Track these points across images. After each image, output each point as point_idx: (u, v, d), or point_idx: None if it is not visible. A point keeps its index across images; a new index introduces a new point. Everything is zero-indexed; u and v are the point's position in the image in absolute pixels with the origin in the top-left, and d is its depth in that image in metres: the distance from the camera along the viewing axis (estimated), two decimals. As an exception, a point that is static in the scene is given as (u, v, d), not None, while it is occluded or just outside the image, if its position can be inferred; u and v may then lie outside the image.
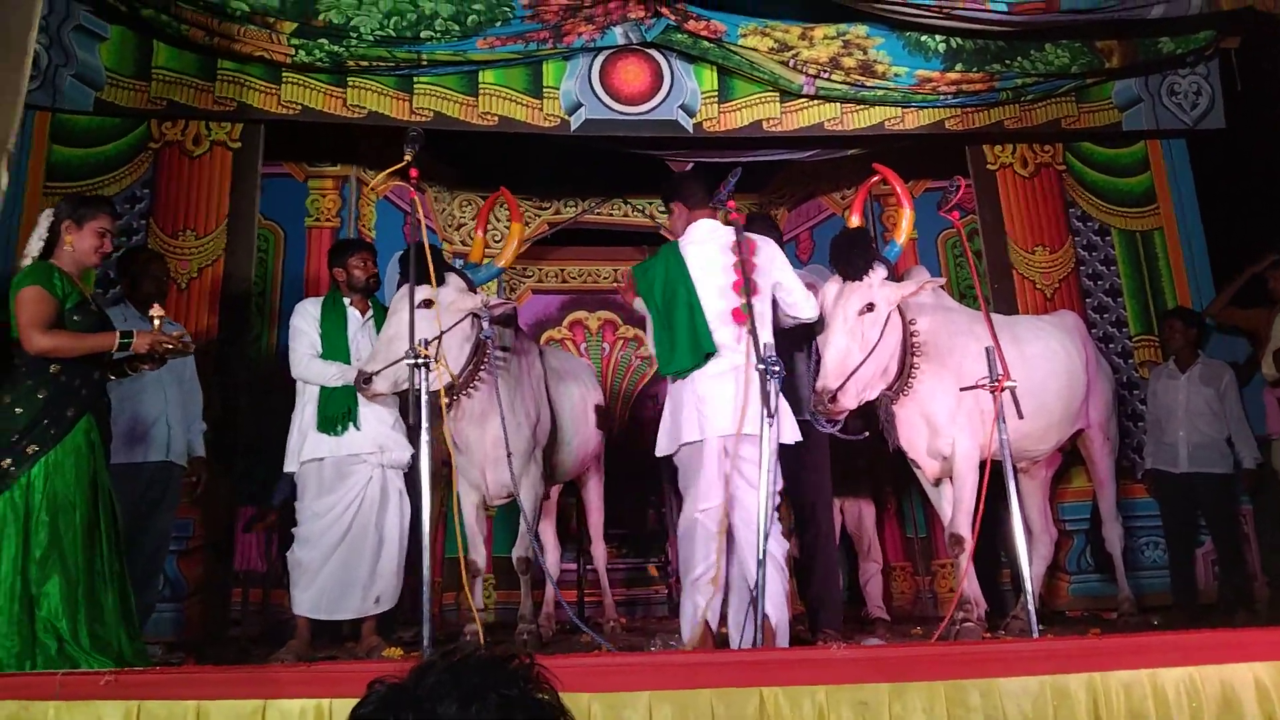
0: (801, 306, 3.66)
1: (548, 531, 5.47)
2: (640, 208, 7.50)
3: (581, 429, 5.03)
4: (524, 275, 7.87)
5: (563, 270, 8.17)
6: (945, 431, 3.84)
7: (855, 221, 3.94)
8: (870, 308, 3.62)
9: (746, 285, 3.48)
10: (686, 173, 4.17)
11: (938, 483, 4.06)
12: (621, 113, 5.31)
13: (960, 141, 5.67)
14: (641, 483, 7.39)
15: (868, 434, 3.80)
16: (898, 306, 3.74)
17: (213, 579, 4.69)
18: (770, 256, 3.58)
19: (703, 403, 3.45)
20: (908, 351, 3.79)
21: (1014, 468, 3.41)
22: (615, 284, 8.23)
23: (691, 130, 5.34)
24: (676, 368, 3.53)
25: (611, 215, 7.54)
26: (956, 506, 3.82)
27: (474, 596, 4.62)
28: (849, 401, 3.56)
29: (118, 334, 3.26)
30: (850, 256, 3.64)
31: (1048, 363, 4.29)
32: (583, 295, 8.19)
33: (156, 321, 3.30)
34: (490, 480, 4.48)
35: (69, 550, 3.08)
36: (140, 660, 3.10)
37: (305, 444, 3.99)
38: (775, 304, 3.66)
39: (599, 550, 5.49)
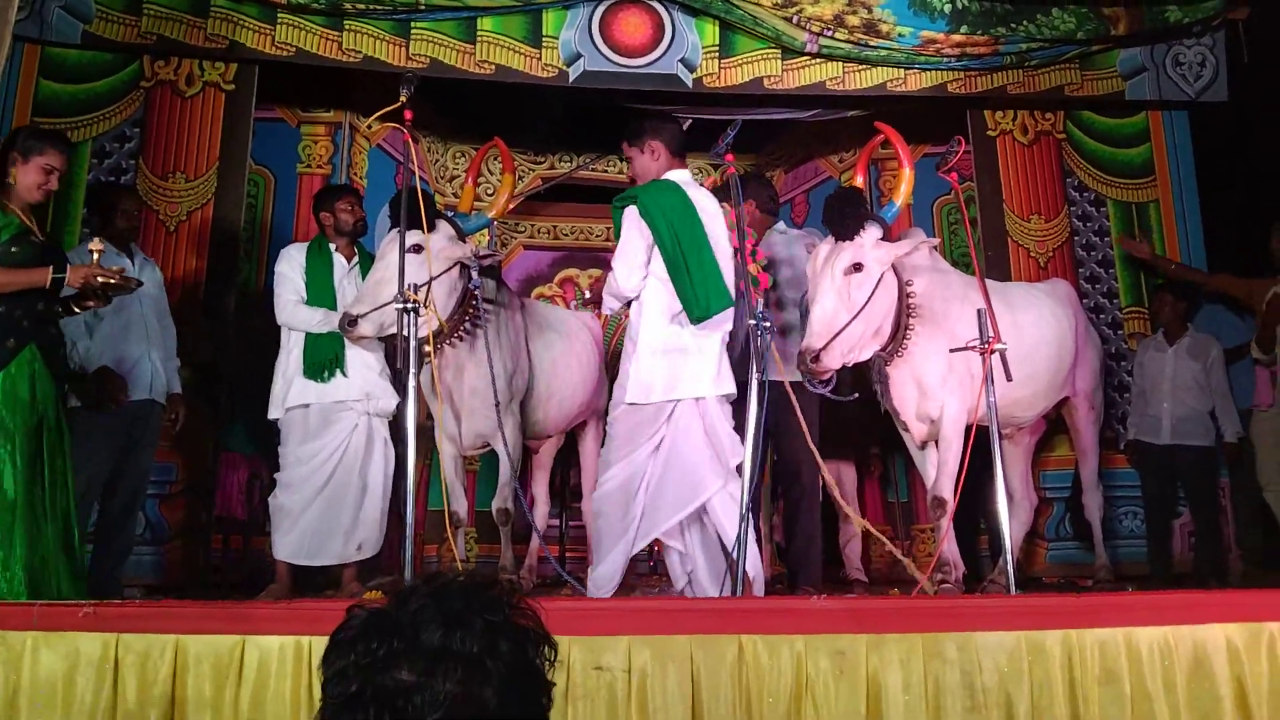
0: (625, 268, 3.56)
1: (540, 486, 5.47)
2: (636, 165, 7.44)
3: (565, 384, 4.97)
4: (516, 230, 7.83)
5: (555, 227, 8.12)
6: (935, 394, 3.85)
7: (858, 182, 3.91)
8: (858, 267, 3.60)
9: (743, 250, 3.47)
10: (668, 116, 4.13)
11: (923, 446, 4.07)
12: (621, 65, 5.25)
13: (962, 105, 5.62)
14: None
15: (857, 395, 3.80)
16: (893, 267, 3.71)
17: (194, 523, 4.69)
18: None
19: (674, 369, 3.42)
20: (903, 312, 3.77)
21: (999, 433, 3.42)
22: (608, 244, 8.20)
23: (691, 85, 5.28)
24: (720, 306, 3.40)
25: (606, 171, 7.48)
26: (940, 469, 3.84)
27: (456, 548, 4.66)
28: (833, 362, 3.54)
29: (50, 269, 3.19)
30: (842, 215, 3.61)
31: (1038, 330, 4.30)
32: (575, 252, 8.15)
33: (94, 255, 3.24)
34: (465, 430, 4.47)
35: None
36: (79, 598, 3.08)
37: (290, 390, 3.99)
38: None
39: (588, 508, 5.48)
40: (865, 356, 3.76)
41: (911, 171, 3.77)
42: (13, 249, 3.19)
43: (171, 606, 2.55)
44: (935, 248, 3.82)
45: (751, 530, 3.35)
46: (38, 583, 3.04)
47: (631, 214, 3.48)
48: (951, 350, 3.64)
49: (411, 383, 3.19)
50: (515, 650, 1.08)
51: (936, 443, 3.94)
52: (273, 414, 4.08)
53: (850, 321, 3.55)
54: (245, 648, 2.39)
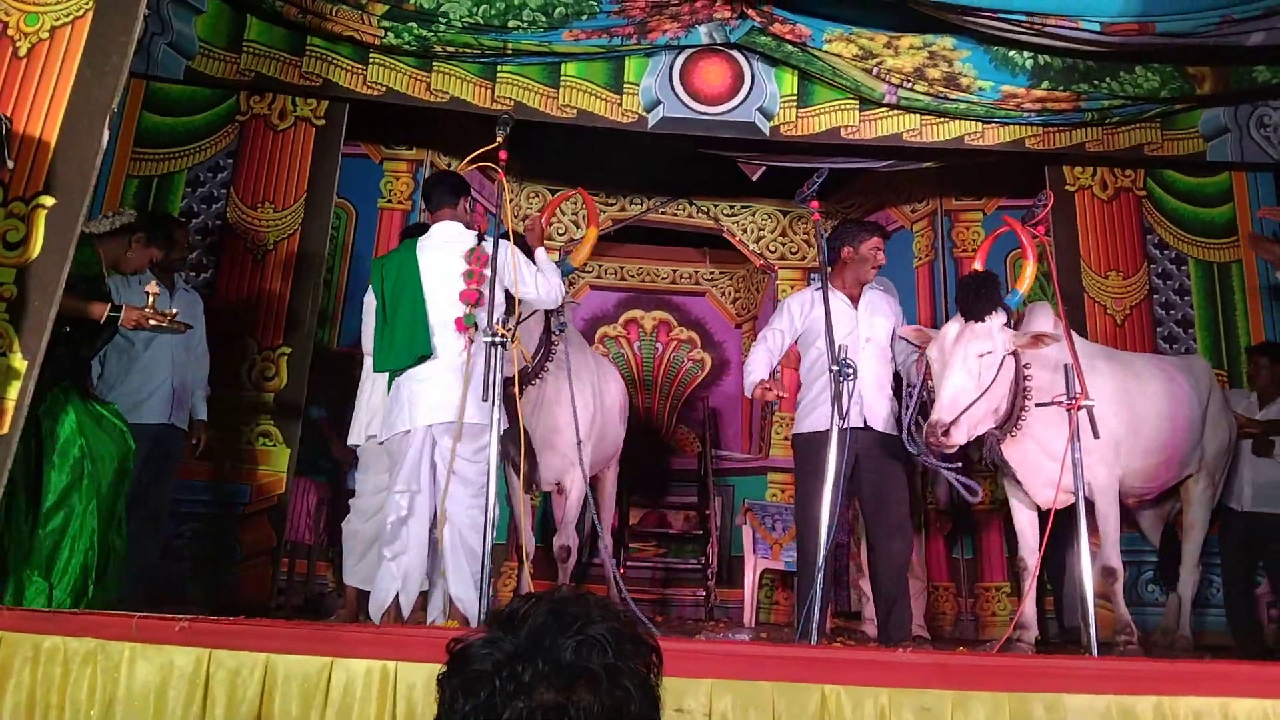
0: (535, 292, 3.69)
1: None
2: (705, 209, 7.53)
3: (615, 425, 5.12)
4: (583, 270, 7.94)
5: (622, 268, 8.24)
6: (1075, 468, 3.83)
7: (978, 266, 4.06)
8: (990, 351, 3.70)
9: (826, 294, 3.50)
10: (432, 175, 4.26)
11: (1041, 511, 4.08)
12: (699, 112, 5.35)
13: (1040, 161, 5.61)
14: (685, 484, 7.42)
15: (960, 465, 3.84)
16: (1014, 352, 3.79)
17: (264, 545, 4.77)
18: (504, 261, 3.55)
19: (414, 396, 3.53)
20: (1019, 394, 3.83)
21: (1086, 498, 3.42)
22: (673, 286, 8.27)
23: (768, 133, 5.36)
24: (391, 365, 3.63)
25: (676, 215, 7.57)
26: (1104, 539, 3.92)
27: (523, 582, 4.70)
28: (960, 437, 3.63)
29: (108, 305, 3.41)
30: (976, 299, 3.71)
31: (1165, 403, 4.28)
32: (640, 294, 8.25)
33: (150, 298, 3.45)
34: (543, 467, 4.56)
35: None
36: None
37: (373, 420, 4.06)
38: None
39: (606, 542, 5.51)
40: (980, 432, 3.83)
41: (1035, 265, 3.88)
42: (82, 286, 3.40)
43: (264, 625, 2.60)
44: (1056, 340, 3.79)
45: (468, 558, 3.43)
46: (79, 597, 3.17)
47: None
48: (1037, 405, 3.62)
49: (494, 414, 3.24)
50: (638, 659, 1.09)
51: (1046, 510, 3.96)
52: (352, 441, 4.16)
53: (977, 399, 3.65)
54: (333, 670, 2.43)
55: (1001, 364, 3.71)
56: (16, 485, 3.10)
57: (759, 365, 4.05)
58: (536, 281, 3.70)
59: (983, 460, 4.00)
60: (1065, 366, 3.41)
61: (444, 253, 3.66)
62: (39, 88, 3.34)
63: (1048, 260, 4.81)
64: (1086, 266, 5.54)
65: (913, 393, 3.91)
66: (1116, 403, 3.96)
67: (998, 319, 3.72)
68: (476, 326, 3.49)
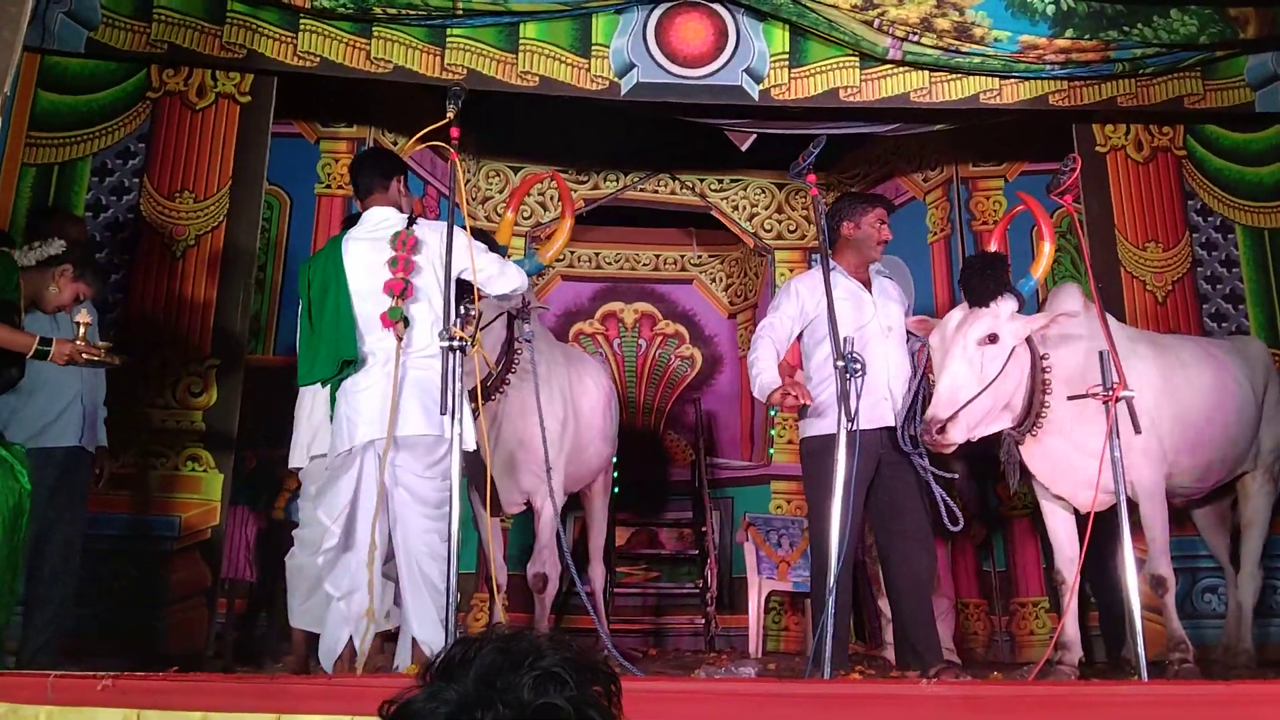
0: (498, 281, 3.67)
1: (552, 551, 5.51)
2: (690, 185, 7.54)
3: (597, 437, 5.13)
4: (554, 261, 7.92)
5: (597, 254, 8.24)
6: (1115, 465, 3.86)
7: (993, 248, 4.08)
8: (993, 339, 3.73)
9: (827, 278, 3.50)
10: (357, 156, 4.26)
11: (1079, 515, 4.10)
12: (679, 76, 5.34)
13: (1065, 119, 5.64)
14: (676, 496, 7.43)
15: (957, 476, 3.88)
16: (1027, 340, 3.82)
17: (197, 585, 4.74)
18: (441, 248, 3.50)
19: (352, 410, 3.52)
20: (1037, 388, 3.86)
21: (1128, 499, 3.44)
22: (656, 274, 8.28)
23: (757, 97, 5.36)
24: (316, 377, 3.61)
25: (657, 192, 7.57)
26: (1152, 545, 3.95)
27: (495, 615, 4.70)
28: (957, 435, 3.66)
29: (37, 339, 3.39)
30: (980, 281, 3.75)
31: (1214, 393, 4.32)
32: (619, 283, 8.27)
33: (81, 328, 3.44)
34: (507, 488, 4.56)
35: None
36: None
37: (315, 438, 4.04)
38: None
39: (597, 572, 5.56)
40: (992, 431, 3.87)
41: (1053, 246, 3.92)
42: None
43: (199, 679, 2.59)
44: (1077, 315, 3.82)
45: (431, 596, 3.41)
46: None
47: None
48: (1070, 398, 3.64)
49: (455, 430, 3.23)
50: (599, 689, 1.11)
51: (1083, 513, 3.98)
52: (294, 463, 4.13)
53: (979, 394, 3.67)
54: (280, 728, 2.42)
55: (1011, 355, 3.74)
56: None
57: (767, 362, 3.97)
58: (500, 271, 3.68)
59: (1002, 464, 4.02)
60: (1101, 353, 3.43)
61: (371, 243, 3.64)
62: (-83, 70, 3.32)
63: (1078, 232, 4.85)
64: (1122, 238, 5.57)
65: (912, 386, 3.94)
66: (1160, 393, 4.00)
67: (1006, 304, 3.76)
68: (407, 323, 3.46)
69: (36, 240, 3.73)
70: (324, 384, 3.62)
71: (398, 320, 3.46)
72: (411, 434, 3.43)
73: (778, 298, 4.23)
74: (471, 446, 3.48)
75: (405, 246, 3.53)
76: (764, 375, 3.93)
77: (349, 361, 3.51)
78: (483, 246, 3.73)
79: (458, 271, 3.48)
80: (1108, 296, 5.42)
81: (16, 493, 3.32)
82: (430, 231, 3.60)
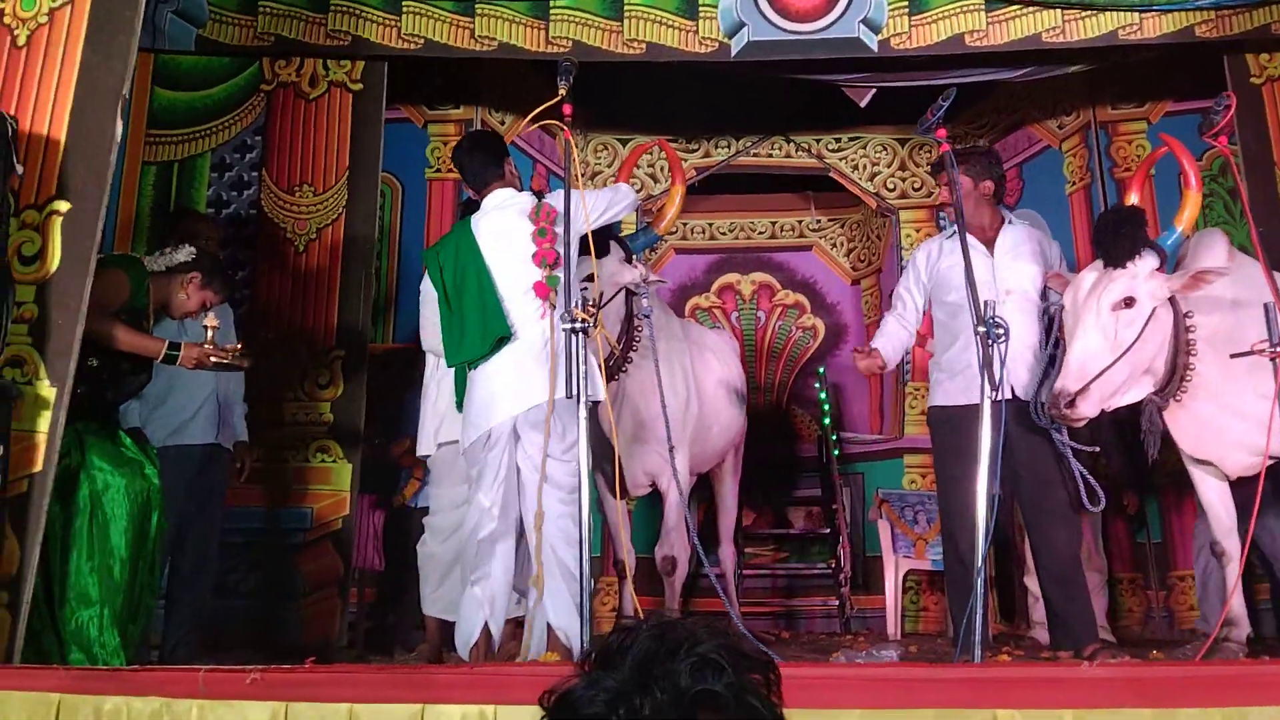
0: (616, 209, 3.92)
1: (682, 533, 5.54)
2: (806, 146, 7.43)
3: (723, 414, 5.13)
4: (668, 232, 7.93)
5: (711, 225, 8.22)
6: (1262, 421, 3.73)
7: (1133, 199, 3.92)
8: (1129, 302, 3.60)
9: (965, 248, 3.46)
10: (461, 142, 4.30)
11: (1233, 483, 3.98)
12: (792, 32, 5.27)
13: (1214, 52, 5.38)
14: (803, 473, 7.39)
15: (1098, 449, 3.77)
16: (1171, 300, 3.68)
17: (330, 575, 4.92)
18: (575, 213, 3.59)
19: (493, 391, 3.57)
20: (1180, 350, 3.73)
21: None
22: (773, 241, 8.22)
23: (876, 49, 5.25)
24: (466, 356, 3.66)
25: (771, 156, 7.49)
26: None
27: (626, 599, 4.77)
28: (1089, 409, 3.56)
29: (165, 344, 3.54)
30: (1115, 239, 3.61)
31: None
32: (734, 254, 8.23)
33: (209, 332, 3.57)
34: (632, 470, 4.61)
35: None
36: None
37: (442, 425, 4.15)
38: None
39: (727, 553, 5.58)
40: (1130, 400, 3.77)
41: (1200, 194, 3.76)
42: (124, 316, 3.56)
43: (344, 671, 2.70)
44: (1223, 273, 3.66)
45: (565, 581, 3.46)
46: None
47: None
48: (1232, 356, 3.50)
49: (582, 411, 3.28)
50: (757, 676, 1.13)
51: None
52: (422, 451, 4.26)
53: (1114, 363, 3.56)
54: (425, 718, 2.51)
55: (1150, 318, 3.60)
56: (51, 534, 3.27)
57: (884, 333, 4.12)
58: (605, 200, 3.86)
59: (1142, 434, 3.90)
60: (1266, 306, 3.29)
61: (502, 219, 3.74)
62: (42, 79, 3.50)
63: (1234, 174, 4.62)
64: (1282, 176, 5.29)
65: (1044, 354, 3.85)
66: None
67: (1145, 263, 3.61)
68: (558, 291, 3.54)
69: (167, 245, 3.89)
70: (471, 365, 3.70)
71: (553, 288, 3.56)
72: (560, 402, 3.48)
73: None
74: (603, 397, 3.59)
75: (548, 218, 3.63)
76: (873, 343, 4.11)
77: (503, 338, 3.61)
78: (593, 191, 3.88)
79: (590, 229, 3.62)
80: (1270, 242, 5.18)
81: (145, 491, 3.50)
82: (561, 201, 3.67)
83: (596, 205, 3.80)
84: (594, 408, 3.51)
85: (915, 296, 4.24)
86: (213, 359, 3.57)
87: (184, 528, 4.19)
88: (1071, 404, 3.53)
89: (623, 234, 4.34)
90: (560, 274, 3.55)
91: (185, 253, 3.81)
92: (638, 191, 7.04)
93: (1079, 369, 3.56)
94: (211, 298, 3.86)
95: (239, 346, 3.71)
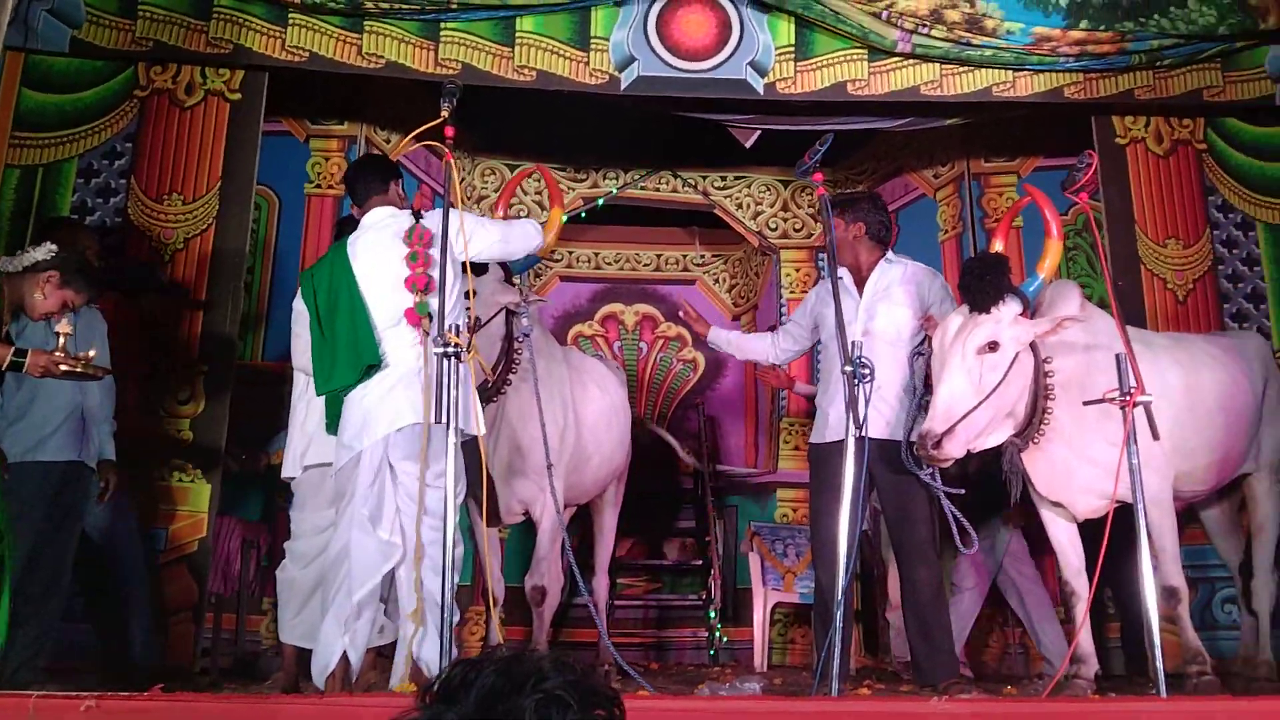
0: (514, 244, 3.86)
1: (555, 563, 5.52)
2: (692, 182, 7.55)
3: (604, 444, 5.14)
4: (550, 259, 7.94)
5: (597, 255, 8.25)
6: (1112, 469, 3.87)
7: (998, 247, 4.02)
8: (994, 346, 3.69)
9: (834, 281, 3.52)
10: (353, 163, 4.31)
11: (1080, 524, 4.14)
12: (681, 69, 5.34)
13: (1082, 112, 5.64)
14: (678, 505, 7.43)
15: (964, 491, 3.87)
16: (1031, 344, 3.80)
17: (185, 600, 4.74)
18: (454, 235, 3.57)
19: (368, 413, 3.54)
20: (1039, 394, 3.85)
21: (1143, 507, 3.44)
22: (658, 274, 8.28)
23: (762, 92, 5.37)
24: (337, 384, 3.62)
25: (659, 190, 7.58)
26: (1162, 554, 3.93)
27: (492, 630, 4.71)
28: (955, 449, 3.63)
29: (10, 350, 3.41)
30: (981, 285, 3.70)
31: (1217, 392, 4.32)
32: (619, 284, 8.28)
33: (60, 338, 3.44)
34: (505, 496, 4.57)
35: None
36: None
37: (309, 447, 4.05)
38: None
39: (601, 584, 5.59)
40: (993, 443, 3.85)
41: (1061, 243, 3.89)
42: None
43: (186, 699, 2.60)
44: (1078, 321, 3.81)
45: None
46: None
47: None
48: (1086, 403, 3.65)
49: (451, 439, 3.24)
50: (602, 712, 1.14)
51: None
52: (287, 473, 4.14)
53: (978, 406, 3.65)
54: (271, 749, 2.43)
55: (1014, 362, 3.71)
56: None
57: (748, 335, 4.26)
58: (508, 232, 3.79)
59: (1004, 476, 4.01)
60: (1118, 356, 3.43)
61: (378, 242, 3.66)
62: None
63: (1093, 230, 4.84)
64: (1142, 233, 5.56)
65: (913, 396, 3.94)
66: (1158, 395, 3.98)
67: (1009, 308, 3.71)
68: (431, 318, 3.47)
69: (21, 249, 3.74)
70: (343, 392, 3.62)
71: (425, 315, 3.48)
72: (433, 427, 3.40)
73: None
74: (480, 431, 3.51)
75: (420, 240, 3.56)
76: (746, 344, 4.46)
77: (372, 366, 3.53)
78: (478, 218, 3.80)
79: (466, 257, 3.54)
80: (1127, 295, 5.44)
81: None
82: (438, 223, 3.60)
83: (488, 234, 3.75)
84: (473, 440, 3.47)
85: (795, 328, 4.38)
86: (62, 367, 3.42)
87: (37, 549, 3.98)
88: (938, 445, 3.60)
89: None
90: (433, 300, 3.49)
91: (44, 250, 3.66)
92: (522, 217, 7.09)
93: (945, 411, 3.64)
94: (72, 297, 3.71)
95: (91, 355, 3.56)
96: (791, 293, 7.39)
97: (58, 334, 3.45)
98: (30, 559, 3.95)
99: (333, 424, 3.84)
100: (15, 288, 3.61)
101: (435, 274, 3.51)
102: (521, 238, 3.85)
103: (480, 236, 3.70)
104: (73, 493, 4.11)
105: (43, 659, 4.06)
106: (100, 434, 4.21)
